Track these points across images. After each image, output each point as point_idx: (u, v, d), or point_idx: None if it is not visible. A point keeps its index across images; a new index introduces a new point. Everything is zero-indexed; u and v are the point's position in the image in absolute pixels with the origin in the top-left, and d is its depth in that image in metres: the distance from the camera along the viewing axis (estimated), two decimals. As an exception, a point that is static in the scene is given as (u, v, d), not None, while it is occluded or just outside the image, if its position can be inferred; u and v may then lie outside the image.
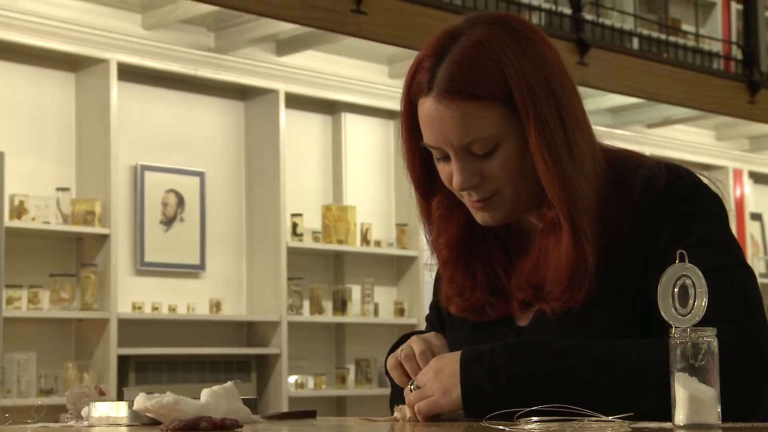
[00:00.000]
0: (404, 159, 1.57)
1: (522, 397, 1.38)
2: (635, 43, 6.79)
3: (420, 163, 1.55)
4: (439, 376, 1.44)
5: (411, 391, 1.47)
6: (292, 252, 5.92)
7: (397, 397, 1.55)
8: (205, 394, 1.46)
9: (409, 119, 1.51)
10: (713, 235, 1.46)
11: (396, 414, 1.52)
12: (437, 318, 1.70)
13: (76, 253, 5.42)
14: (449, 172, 1.49)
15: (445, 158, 1.49)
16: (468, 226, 1.55)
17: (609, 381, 1.38)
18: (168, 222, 5.72)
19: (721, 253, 1.44)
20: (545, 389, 1.39)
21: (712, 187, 1.51)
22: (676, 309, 1.20)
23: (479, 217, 1.51)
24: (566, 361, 1.40)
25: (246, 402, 1.50)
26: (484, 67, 1.44)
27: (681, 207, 1.47)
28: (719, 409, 1.21)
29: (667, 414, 1.24)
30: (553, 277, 1.48)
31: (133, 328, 5.48)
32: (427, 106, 1.46)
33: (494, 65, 1.44)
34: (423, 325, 6.24)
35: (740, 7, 7.47)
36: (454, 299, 1.59)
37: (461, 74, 1.44)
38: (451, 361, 1.45)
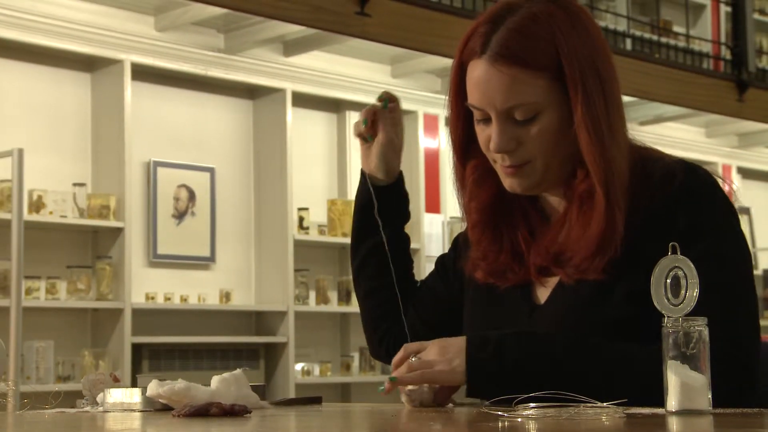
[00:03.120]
0: (449, 121, 1.61)
1: (525, 381, 1.42)
2: (628, 43, 6.83)
3: (462, 126, 1.59)
4: (444, 352, 1.47)
5: (412, 359, 1.48)
6: (298, 244, 5.95)
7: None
8: (215, 380, 1.47)
9: (457, 81, 1.55)
10: (723, 248, 1.48)
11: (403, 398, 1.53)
12: (443, 267, 1.75)
13: (91, 245, 5.47)
14: (488, 135, 1.53)
15: (485, 121, 1.53)
16: (499, 193, 1.59)
17: (617, 383, 1.41)
18: (180, 216, 5.76)
19: (726, 266, 1.46)
20: (548, 377, 1.41)
21: (725, 187, 1.54)
22: (668, 299, 1.23)
23: (508, 183, 1.55)
24: (570, 353, 1.44)
25: (254, 388, 1.52)
26: (538, 38, 1.49)
27: (696, 209, 1.49)
28: (710, 396, 1.23)
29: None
30: (578, 245, 1.50)
31: (146, 318, 5.52)
32: (478, 68, 1.51)
33: (548, 37, 1.49)
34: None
35: (729, 9, 7.49)
36: (480, 263, 1.62)
37: (515, 41, 1.48)
38: (457, 341, 1.48)
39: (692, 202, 1.50)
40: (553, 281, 1.56)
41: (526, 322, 1.57)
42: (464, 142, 1.60)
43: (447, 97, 1.59)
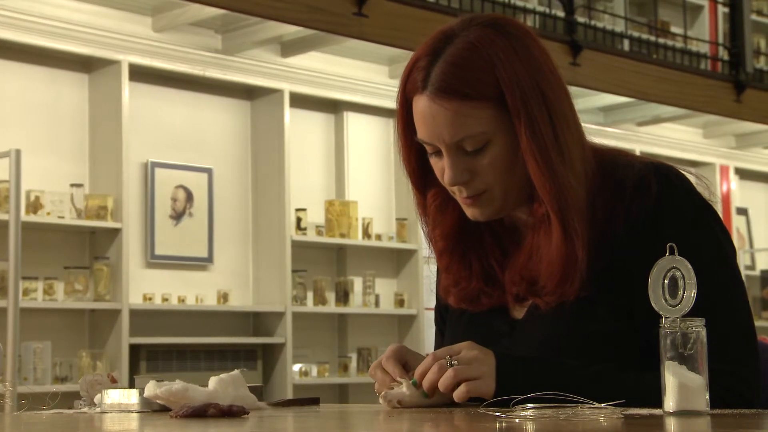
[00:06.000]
0: (400, 153, 1.57)
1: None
2: (626, 44, 6.86)
3: (415, 157, 1.56)
4: (483, 362, 1.43)
5: (448, 365, 1.44)
6: (296, 245, 5.97)
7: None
8: (213, 381, 1.47)
9: (404, 115, 1.53)
10: (711, 266, 1.45)
11: (382, 401, 1.50)
12: (441, 319, 1.70)
13: (89, 246, 5.49)
14: (442, 167, 1.50)
15: (438, 153, 1.50)
16: (462, 218, 1.56)
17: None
18: (177, 216, 5.78)
19: (716, 287, 1.44)
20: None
21: (699, 186, 1.52)
22: (666, 300, 1.22)
23: (469, 212, 1.53)
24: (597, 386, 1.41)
25: (252, 389, 1.51)
26: (477, 68, 1.46)
27: (674, 219, 1.47)
28: (707, 397, 1.23)
29: None
30: (546, 273, 1.48)
31: (144, 319, 5.54)
32: (421, 104, 1.48)
33: (487, 67, 1.45)
34: (422, 315, 6.58)
35: (727, 10, 7.54)
36: (451, 289, 1.60)
37: (454, 74, 1.45)
38: (489, 355, 1.45)
39: (670, 213, 1.48)
40: (527, 301, 1.55)
41: (506, 342, 1.55)
42: (420, 172, 1.58)
43: (396, 131, 1.57)
